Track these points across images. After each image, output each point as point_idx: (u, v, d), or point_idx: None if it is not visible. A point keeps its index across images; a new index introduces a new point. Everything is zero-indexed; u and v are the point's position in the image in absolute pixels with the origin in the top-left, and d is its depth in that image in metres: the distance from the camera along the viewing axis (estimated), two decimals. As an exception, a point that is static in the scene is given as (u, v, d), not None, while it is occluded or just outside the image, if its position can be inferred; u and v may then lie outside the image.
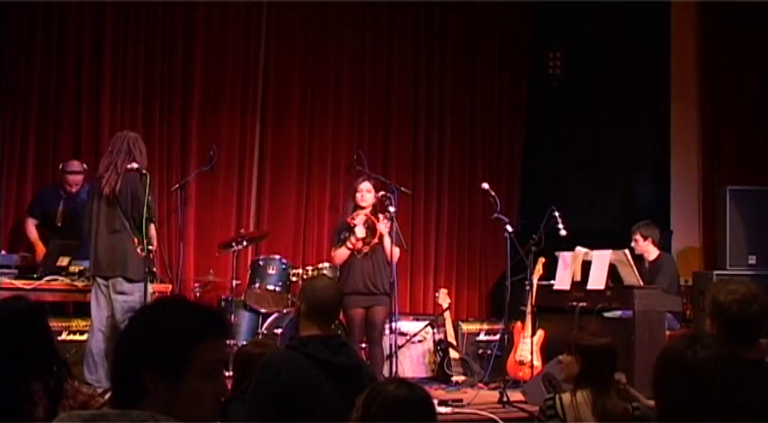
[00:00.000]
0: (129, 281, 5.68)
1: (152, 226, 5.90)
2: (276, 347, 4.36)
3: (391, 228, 6.17)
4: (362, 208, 6.26)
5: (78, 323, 6.21)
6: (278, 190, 8.17)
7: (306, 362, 3.25)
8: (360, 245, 6.14)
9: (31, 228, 6.89)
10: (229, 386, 3.70)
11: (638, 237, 7.18)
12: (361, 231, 6.15)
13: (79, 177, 6.85)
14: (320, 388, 3.23)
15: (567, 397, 3.48)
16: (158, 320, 1.88)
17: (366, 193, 6.29)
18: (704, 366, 2.06)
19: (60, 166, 6.93)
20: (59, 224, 6.83)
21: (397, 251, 6.22)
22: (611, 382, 3.54)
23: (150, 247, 5.82)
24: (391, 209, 6.17)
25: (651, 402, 2.37)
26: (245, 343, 6.31)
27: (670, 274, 7.06)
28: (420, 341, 7.53)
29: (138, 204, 5.68)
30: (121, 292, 5.68)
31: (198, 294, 7.06)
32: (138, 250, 5.70)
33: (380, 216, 6.24)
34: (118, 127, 7.42)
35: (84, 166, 6.92)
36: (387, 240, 6.15)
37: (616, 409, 3.43)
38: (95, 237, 5.78)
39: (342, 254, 6.19)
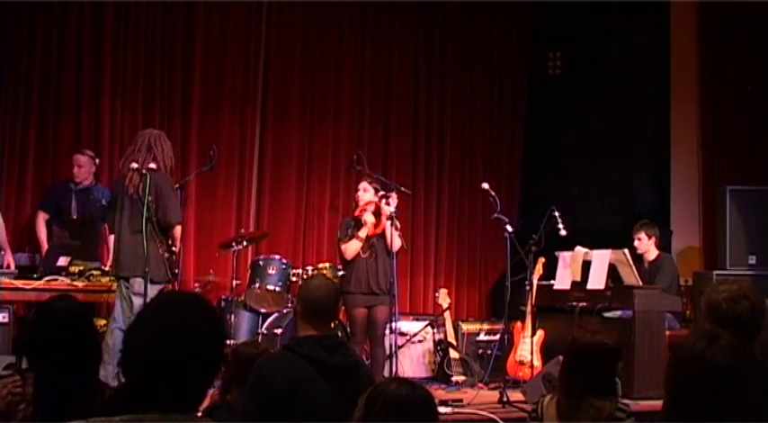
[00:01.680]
0: (150, 282, 5.59)
1: (178, 227, 5.82)
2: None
3: (392, 224, 6.20)
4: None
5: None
6: (278, 190, 8.17)
7: (302, 362, 3.23)
8: (373, 229, 6.20)
9: (41, 225, 6.87)
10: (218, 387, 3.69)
11: (642, 235, 7.16)
12: (371, 217, 6.22)
13: (82, 169, 6.85)
14: (316, 388, 3.20)
15: (548, 398, 3.39)
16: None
17: (363, 193, 6.34)
18: (723, 365, 2.05)
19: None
20: (74, 217, 6.82)
21: (397, 241, 6.23)
22: (590, 383, 3.23)
23: (174, 249, 5.79)
24: (390, 208, 6.18)
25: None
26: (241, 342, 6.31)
27: (670, 274, 7.06)
28: (420, 341, 7.53)
29: (163, 205, 5.64)
30: (139, 293, 5.59)
31: (198, 294, 7.05)
32: (161, 252, 5.66)
33: (383, 201, 6.29)
34: (118, 127, 7.45)
35: (86, 156, 6.90)
36: (389, 230, 6.18)
37: (588, 412, 3.17)
38: (118, 237, 5.76)
39: (353, 246, 6.20)
